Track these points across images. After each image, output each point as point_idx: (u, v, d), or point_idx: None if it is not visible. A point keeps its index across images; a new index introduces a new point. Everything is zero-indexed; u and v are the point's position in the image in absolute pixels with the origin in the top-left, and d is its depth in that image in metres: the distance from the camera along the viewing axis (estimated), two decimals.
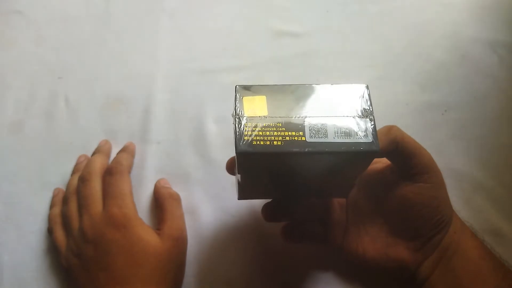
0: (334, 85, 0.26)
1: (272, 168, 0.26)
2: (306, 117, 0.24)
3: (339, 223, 0.33)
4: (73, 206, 0.36)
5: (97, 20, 0.46)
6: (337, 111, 0.25)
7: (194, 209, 0.38)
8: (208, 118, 0.41)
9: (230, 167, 0.32)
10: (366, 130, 0.24)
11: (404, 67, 0.42)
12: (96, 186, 0.35)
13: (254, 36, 0.45)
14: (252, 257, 0.36)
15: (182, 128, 0.41)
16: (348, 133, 0.24)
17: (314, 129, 0.24)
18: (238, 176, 0.27)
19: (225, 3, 0.46)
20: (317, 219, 0.34)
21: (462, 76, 0.41)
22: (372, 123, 0.25)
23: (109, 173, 0.36)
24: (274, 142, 0.24)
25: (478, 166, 0.38)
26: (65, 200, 0.37)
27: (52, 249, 0.37)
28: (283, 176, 0.27)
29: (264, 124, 0.24)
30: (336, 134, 0.24)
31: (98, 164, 0.37)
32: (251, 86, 0.27)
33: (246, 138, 0.24)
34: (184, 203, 0.38)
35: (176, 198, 0.37)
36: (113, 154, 0.40)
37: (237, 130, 0.24)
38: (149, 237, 0.33)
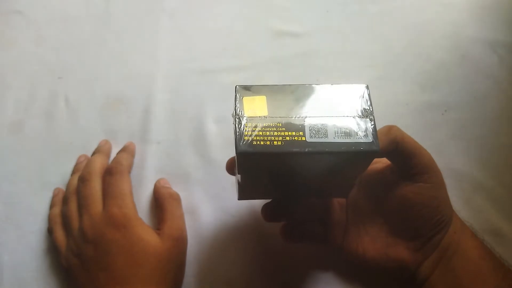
0: (334, 85, 0.26)
1: (272, 168, 0.26)
2: (306, 117, 0.24)
3: (339, 223, 0.33)
4: (73, 206, 0.36)
5: (97, 20, 0.46)
6: (337, 111, 0.25)
7: (194, 209, 0.38)
8: (208, 118, 0.41)
9: (230, 167, 0.32)
10: (366, 130, 0.24)
11: (404, 67, 0.42)
12: (96, 186, 0.35)
13: (254, 36, 0.45)
14: (252, 257, 0.36)
15: (182, 128, 0.41)
16: (348, 133, 0.24)
17: (314, 129, 0.24)
18: (238, 176, 0.27)
19: (225, 3, 0.46)
20: (317, 219, 0.34)
21: (462, 76, 0.41)
22: (372, 123, 0.25)
23: (109, 173, 0.36)
24: (274, 142, 0.24)
25: (478, 166, 0.38)
26: (65, 200, 0.37)
27: (52, 249, 0.37)
28: (283, 176, 0.27)
29: (264, 124, 0.24)
30: (336, 134, 0.24)
31: (98, 164, 0.37)
32: (251, 86, 0.27)
33: (246, 138, 0.24)
34: (184, 203, 0.38)
35: (176, 198, 0.37)
36: (113, 154, 0.40)
37: (237, 130, 0.24)
38: (149, 237, 0.33)
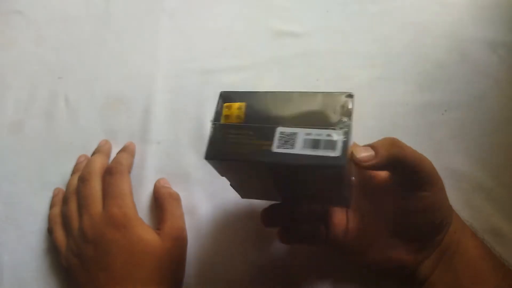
0: (319, 92, 0.25)
1: (250, 174, 0.26)
2: (279, 125, 0.24)
3: (339, 223, 0.33)
4: (73, 206, 0.36)
5: (97, 20, 0.46)
6: (312, 120, 0.24)
7: (194, 209, 0.38)
8: (208, 118, 0.41)
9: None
10: (336, 143, 0.23)
11: (404, 67, 0.42)
12: (96, 186, 0.35)
13: (254, 36, 0.45)
14: (252, 256, 0.36)
15: (182, 128, 0.41)
16: (316, 145, 0.23)
17: (283, 139, 0.23)
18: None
19: (225, 3, 0.46)
20: (317, 219, 0.34)
21: (462, 76, 0.41)
22: (345, 136, 0.23)
23: (109, 173, 0.36)
24: (242, 150, 0.23)
25: (478, 166, 0.38)
26: (65, 200, 0.37)
27: (52, 249, 0.37)
28: (265, 181, 0.26)
29: (237, 132, 0.24)
30: (304, 145, 0.23)
31: (98, 164, 0.37)
32: (236, 92, 0.26)
33: (216, 145, 0.24)
34: (184, 203, 0.38)
35: (176, 198, 0.37)
36: (113, 154, 0.40)
37: (210, 136, 0.24)
38: (149, 237, 0.33)
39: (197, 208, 0.38)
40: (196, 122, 0.41)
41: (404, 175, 0.29)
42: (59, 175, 0.40)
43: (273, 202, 0.32)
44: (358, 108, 0.40)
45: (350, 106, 0.24)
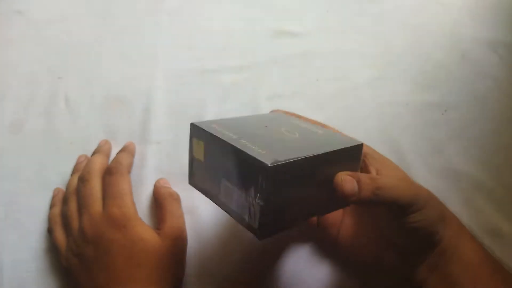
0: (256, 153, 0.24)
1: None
2: (223, 178, 0.26)
3: (334, 219, 0.33)
4: (73, 206, 0.36)
5: (97, 20, 0.46)
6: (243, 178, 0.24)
7: (193, 209, 0.38)
8: (208, 118, 0.41)
9: None
10: (255, 215, 0.23)
11: (404, 67, 0.42)
12: (96, 186, 0.35)
13: (254, 36, 0.45)
14: (251, 256, 0.36)
15: (182, 128, 0.41)
16: (243, 210, 0.25)
17: (225, 191, 0.26)
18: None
19: (225, 3, 0.46)
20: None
21: (462, 76, 0.41)
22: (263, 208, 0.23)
23: (109, 173, 0.36)
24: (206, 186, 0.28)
25: (478, 166, 0.38)
26: (65, 200, 0.37)
27: (52, 249, 0.37)
28: None
29: (202, 170, 0.28)
30: (237, 205, 0.25)
31: (98, 164, 0.37)
32: (203, 123, 0.28)
33: (192, 175, 0.29)
34: (184, 203, 0.38)
35: (176, 198, 0.37)
36: (113, 154, 0.40)
37: (189, 164, 0.29)
38: (149, 236, 0.33)
39: (197, 208, 0.38)
40: None
41: (383, 208, 0.29)
42: (59, 175, 0.40)
43: None
44: (358, 108, 0.41)
45: (265, 182, 0.23)
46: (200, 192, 0.29)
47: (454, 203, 0.32)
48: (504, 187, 0.37)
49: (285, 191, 0.24)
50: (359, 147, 0.28)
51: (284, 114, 0.33)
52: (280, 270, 0.36)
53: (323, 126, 0.34)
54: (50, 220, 0.37)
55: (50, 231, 0.37)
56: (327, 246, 0.35)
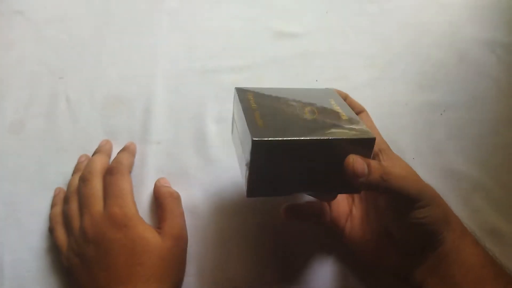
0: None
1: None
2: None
3: (343, 210, 0.34)
4: (74, 206, 0.36)
5: (97, 20, 0.46)
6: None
7: (194, 208, 0.38)
8: (208, 118, 0.41)
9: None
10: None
11: (403, 67, 0.42)
12: (96, 185, 0.35)
13: (254, 36, 0.45)
14: (252, 255, 0.36)
15: (182, 128, 0.41)
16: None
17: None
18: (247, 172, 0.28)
19: (225, 3, 0.46)
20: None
21: (460, 76, 0.42)
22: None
23: (110, 173, 0.36)
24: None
25: (477, 166, 0.38)
26: (66, 200, 0.37)
27: (53, 248, 0.37)
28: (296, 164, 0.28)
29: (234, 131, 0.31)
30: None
31: (99, 164, 0.37)
32: (253, 87, 0.31)
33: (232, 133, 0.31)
34: (184, 202, 0.38)
35: (176, 197, 0.37)
36: (113, 154, 0.40)
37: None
38: (149, 236, 0.33)
39: (197, 207, 0.38)
40: (196, 122, 0.41)
41: (390, 198, 0.29)
42: (60, 175, 0.40)
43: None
44: None
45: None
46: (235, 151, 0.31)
47: (452, 203, 0.33)
48: (503, 186, 0.38)
49: (271, 165, 0.26)
50: (369, 141, 0.27)
51: (332, 92, 0.33)
52: (280, 270, 0.36)
53: (362, 111, 0.34)
54: (51, 219, 0.37)
55: (51, 230, 0.37)
56: (334, 239, 0.35)
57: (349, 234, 0.33)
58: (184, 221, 0.37)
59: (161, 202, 0.37)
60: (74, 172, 0.39)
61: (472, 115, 0.40)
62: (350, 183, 0.27)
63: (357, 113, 0.34)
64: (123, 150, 0.39)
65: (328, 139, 0.26)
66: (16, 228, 0.39)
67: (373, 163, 0.27)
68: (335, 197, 0.32)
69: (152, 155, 0.40)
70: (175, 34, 0.45)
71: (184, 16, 0.46)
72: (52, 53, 0.45)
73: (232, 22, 0.46)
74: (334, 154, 0.27)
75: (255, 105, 0.29)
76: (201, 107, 0.42)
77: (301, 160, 0.27)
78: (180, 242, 0.35)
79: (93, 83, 0.43)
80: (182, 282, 0.35)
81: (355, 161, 0.26)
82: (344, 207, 0.34)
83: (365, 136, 0.27)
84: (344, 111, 0.30)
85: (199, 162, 0.40)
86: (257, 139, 0.25)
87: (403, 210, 0.28)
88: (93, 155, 0.39)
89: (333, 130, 0.27)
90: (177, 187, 0.38)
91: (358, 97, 0.41)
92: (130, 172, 0.38)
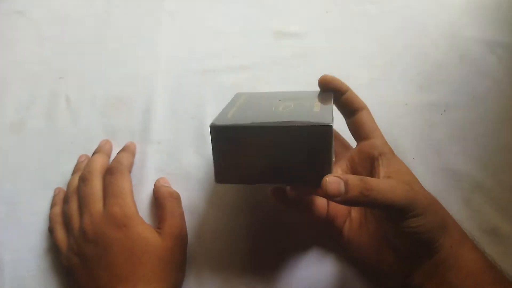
0: None
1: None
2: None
3: (342, 211, 0.33)
4: (74, 206, 0.36)
5: (98, 21, 0.46)
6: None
7: (194, 209, 0.38)
8: (208, 118, 0.41)
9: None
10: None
11: (403, 67, 0.42)
12: (96, 185, 0.36)
13: (254, 37, 0.45)
14: (251, 255, 0.36)
15: (182, 128, 0.41)
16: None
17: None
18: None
19: (225, 4, 0.46)
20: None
21: (460, 76, 0.42)
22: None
23: (110, 173, 0.36)
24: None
25: (477, 166, 0.38)
26: (66, 200, 0.37)
27: (53, 248, 0.37)
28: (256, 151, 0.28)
29: None
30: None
31: (99, 164, 0.37)
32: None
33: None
34: (184, 202, 0.38)
35: (176, 197, 0.37)
36: (113, 154, 0.40)
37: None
38: (149, 235, 0.33)
39: (197, 207, 0.38)
40: (196, 122, 0.41)
41: (379, 210, 0.29)
42: (60, 174, 0.40)
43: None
44: None
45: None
46: None
47: (453, 203, 0.33)
48: (503, 187, 0.38)
49: (232, 151, 0.27)
50: (323, 129, 0.26)
51: (327, 94, 0.33)
52: (280, 270, 0.36)
53: (363, 108, 0.33)
54: (51, 219, 0.38)
55: (51, 230, 0.37)
56: (332, 240, 0.35)
57: (348, 236, 0.33)
58: (184, 221, 0.37)
59: (161, 202, 0.37)
60: (74, 172, 0.39)
61: (472, 115, 0.40)
62: (315, 177, 0.26)
63: (358, 110, 0.33)
64: (123, 150, 0.39)
65: (278, 126, 0.26)
66: (16, 227, 0.39)
67: (352, 179, 0.25)
68: (312, 192, 0.32)
69: (152, 155, 0.40)
70: (175, 34, 0.45)
71: (184, 16, 0.46)
72: (52, 53, 0.45)
73: (232, 22, 0.46)
74: (289, 143, 0.26)
75: (241, 103, 0.30)
76: (201, 107, 0.42)
77: (260, 148, 0.27)
78: (180, 242, 0.35)
79: (93, 83, 0.43)
80: (182, 282, 0.35)
81: (329, 181, 0.25)
82: (343, 207, 0.34)
83: (318, 124, 0.26)
84: (320, 106, 0.29)
85: (199, 162, 0.40)
86: (212, 124, 0.27)
87: (395, 220, 0.28)
88: (93, 155, 0.39)
89: (293, 119, 0.26)
90: (177, 187, 0.38)
91: None
92: (130, 171, 0.38)
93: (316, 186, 0.26)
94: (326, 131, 0.26)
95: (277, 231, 0.37)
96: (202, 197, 0.38)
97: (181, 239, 0.35)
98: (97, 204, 0.34)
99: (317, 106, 0.29)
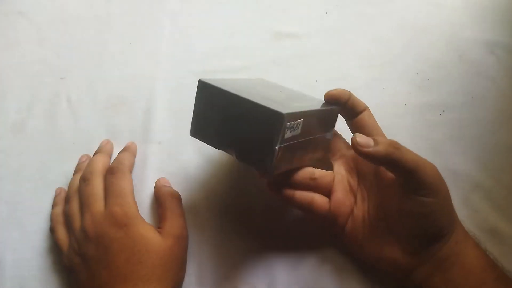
0: None
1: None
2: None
3: (344, 204, 0.33)
4: (75, 205, 0.36)
5: (98, 21, 0.46)
6: None
7: (194, 209, 0.38)
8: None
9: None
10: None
11: (402, 68, 0.43)
12: (97, 185, 0.36)
13: (254, 37, 0.45)
14: (252, 255, 0.37)
15: (183, 128, 0.41)
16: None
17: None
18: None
19: (225, 4, 0.46)
20: (320, 192, 0.34)
21: (459, 77, 0.42)
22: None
23: (111, 173, 0.36)
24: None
25: (476, 166, 0.39)
26: (67, 200, 0.37)
27: (54, 248, 0.37)
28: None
29: None
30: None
31: (100, 164, 0.37)
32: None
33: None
34: (184, 202, 0.38)
35: (177, 197, 0.37)
36: (114, 154, 0.40)
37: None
38: (150, 235, 0.33)
39: (197, 207, 0.38)
40: None
41: (402, 177, 0.29)
42: (61, 174, 0.40)
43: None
44: None
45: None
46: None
47: (453, 203, 0.33)
48: (502, 186, 0.38)
49: (210, 111, 0.29)
50: (275, 115, 0.26)
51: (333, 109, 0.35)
52: (281, 269, 0.36)
53: (364, 109, 0.34)
54: (52, 219, 0.38)
55: (52, 230, 0.37)
56: (334, 238, 0.35)
57: (350, 234, 0.33)
58: (185, 220, 0.37)
59: (162, 202, 0.37)
60: (75, 172, 0.39)
61: (471, 115, 0.40)
62: (258, 161, 0.28)
63: (360, 112, 0.34)
64: (124, 150, 0.39)
65: (245, 98, 0.27)
66: (18, 227, 0.39)
67: (381, 138, 0.29)
68: (270, 177, 0.32)
69: (153, 155, 0.40)
70: (175, 35, 0.45)
71: (185, 16, 0.46)
72: (53, 53, 0.45)
73: (232, 23, 0.46)
74: (250, 119, 0.27)
75: (248, 80, 0.33)
76: None
77: (230, 115, 0.28)
78: (181, 242, 0.35)
79: (94, 83, 0.44)
80: (182, 282, 0.36)
81: (359, 136, 0.29)
82: (346, 205, 0.34)
83: (273, 109, 0.26)
84: (300, 102, 0.32)
85: (199, 162, 0.40)
86: (200, 79, 0.29)
87: (411, 189, 0.28)
88: (94, 155, 0.40)
89: (263, 101, 0.28)
90: (177, 187, 0.38)
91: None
92: (131, 172, 0.38)
93: (257, 169, 0.29)
94: (277, 118, 0.26)
95: (278, 230, 0.37)
96: (202, 197, 0.39)
97: (182, 239, 0.36)
98: (98, 204, 0.34)
99: (299, 102, 0.32)
